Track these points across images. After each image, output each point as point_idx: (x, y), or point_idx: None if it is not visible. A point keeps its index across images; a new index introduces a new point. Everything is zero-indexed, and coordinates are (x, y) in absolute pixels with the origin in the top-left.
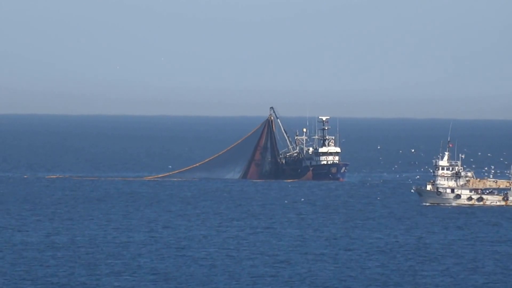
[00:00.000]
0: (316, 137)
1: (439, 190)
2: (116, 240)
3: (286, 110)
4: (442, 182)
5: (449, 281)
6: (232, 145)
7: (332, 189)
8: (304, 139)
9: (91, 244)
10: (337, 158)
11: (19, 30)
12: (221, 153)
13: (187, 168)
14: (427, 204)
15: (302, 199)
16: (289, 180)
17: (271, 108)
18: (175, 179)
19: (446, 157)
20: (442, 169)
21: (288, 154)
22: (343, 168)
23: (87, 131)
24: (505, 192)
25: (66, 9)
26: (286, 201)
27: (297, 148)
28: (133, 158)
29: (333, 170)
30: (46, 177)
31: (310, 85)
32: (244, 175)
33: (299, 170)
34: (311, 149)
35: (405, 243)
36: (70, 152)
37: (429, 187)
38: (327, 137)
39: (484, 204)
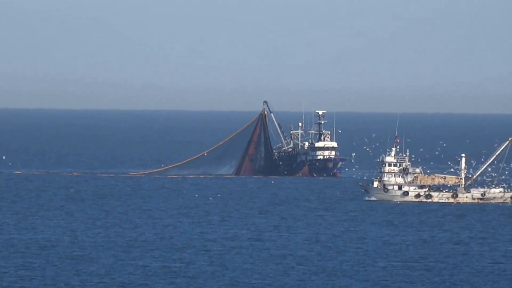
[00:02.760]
0: (312, 131)
1: (386, 187)
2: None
3: (282, 105)
4: (389, 179)
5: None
6: (224, 140)
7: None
8: (300, 134)
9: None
10: (333, 152)
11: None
12: (213, 148)
13: (178, 163)
14: (371, 199)
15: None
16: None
17: (265, 102)
18: (159, 176)
19: (393, 153)
20: (389, 165)
21: (282, 149)
22: (340, 163)
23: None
24: (455, 188)
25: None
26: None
27: (291, 143)
28: (122, 153)
29: (330, 165)
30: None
31: (306, 80)
32: (238, 171)
33: (294, 166)
34: (307, 143)
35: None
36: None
37: (375, 184)
38: (323, 131)
39: (432, 201)
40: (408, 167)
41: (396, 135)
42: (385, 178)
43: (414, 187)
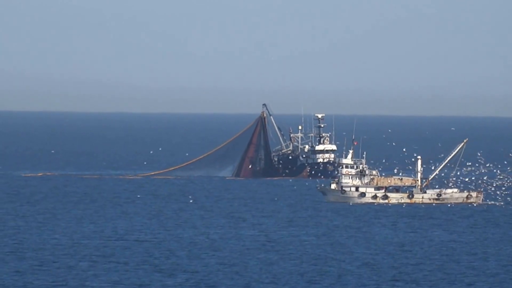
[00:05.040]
0: (312, 134)
1: (343, 188)
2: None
3: (281, 108)
4: (346, 181)
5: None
6: (225, 143)
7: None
8: (300, 137)
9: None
10: (333, 155)
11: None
12: (213, 150)
13: (179, 166)
14: (329, 201)
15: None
16: (276, 178)
17: (264, 105)
18: (163, 177)
19: (350, 155)
20: (346, 167)
21: (281, 151)
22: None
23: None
24: (411, 189)
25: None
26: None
27: (291, 145)
28: (122, 156)
29: (330, 168)
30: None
31: (306, 82)
32: (237, 173)
33: (294, 168)
34: (307, 146)
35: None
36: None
37: (333, 186)
38: (322, 134)
39: (389, 202)
40: (365, 169)
41: (353, 137)
42: (342, 180)
43: (371, 189)
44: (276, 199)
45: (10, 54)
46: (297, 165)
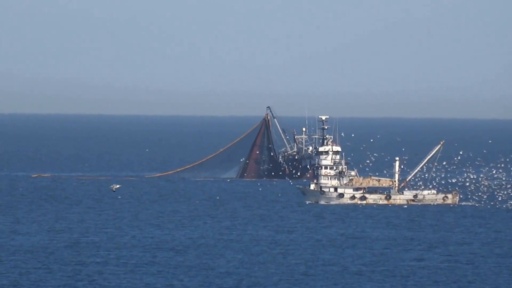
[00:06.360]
0: (316, 136)
1: (322, 189)
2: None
3: (285, 110)
4: (325, 181)
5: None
6: (229, 145)
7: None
8: (304, 138)
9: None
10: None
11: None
12: (218, 152)
13: (184, 167)
14: (308, 201)
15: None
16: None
17: (268, 107)
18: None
19: (329, 156)
20: (325, 168)
21: (286, 153)
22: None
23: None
24: (388, 190)
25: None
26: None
27: (295, 147)
28: (127, 157)
29: None
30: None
31: (309, 84)
32: (242, 175)
33: (299, 169)
34: (310, 148)
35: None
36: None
37: (312, 186)
38: (326, 136)
39: (367, 203)
40: (344, 170)
41: (332, 139)
42: (322, 181)
43: (349, 189)
44: (280, 199)
45: (17, 57)
46: (301, 167)
